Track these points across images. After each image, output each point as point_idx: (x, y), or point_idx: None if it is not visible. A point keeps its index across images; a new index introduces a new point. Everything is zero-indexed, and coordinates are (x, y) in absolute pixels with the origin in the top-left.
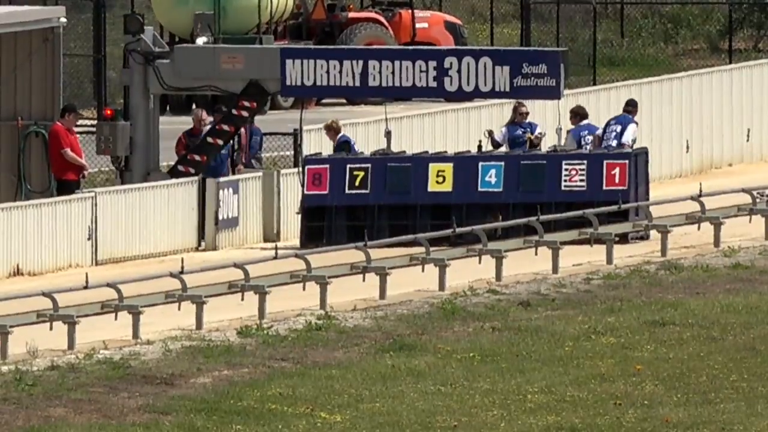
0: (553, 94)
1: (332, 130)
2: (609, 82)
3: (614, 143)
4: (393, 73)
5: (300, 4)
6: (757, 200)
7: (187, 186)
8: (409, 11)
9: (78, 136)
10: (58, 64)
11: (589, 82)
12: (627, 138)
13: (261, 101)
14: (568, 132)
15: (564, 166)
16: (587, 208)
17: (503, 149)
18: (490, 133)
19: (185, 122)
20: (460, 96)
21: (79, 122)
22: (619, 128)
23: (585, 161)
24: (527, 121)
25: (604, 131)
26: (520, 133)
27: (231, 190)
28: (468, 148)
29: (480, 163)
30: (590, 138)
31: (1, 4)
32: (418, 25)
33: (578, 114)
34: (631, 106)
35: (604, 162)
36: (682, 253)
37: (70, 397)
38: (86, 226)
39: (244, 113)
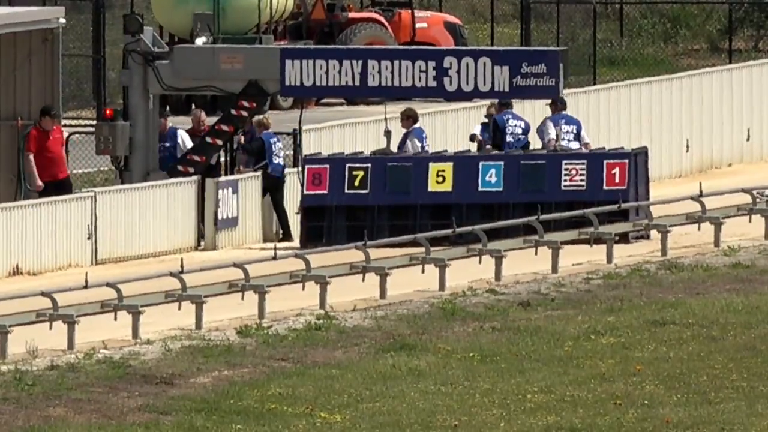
0: (552, 93)
1: (261, 125)
2: (609, 82)
3: (574, 145)
4: (392, 73)
5: (300, 4)
6: (757, 200)
7: (186, 186)
8: (409, 11)
9: (63, 135)
10: (57, 64)
11: (589, 82)
12: (587, 138)
13: (260, 101)
14: (406, 134)
15: (564, 166)
16: (587, 208)
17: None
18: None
19: (185, 122)
20: (459, 96)
21: (79, 122)
22: (573, 128)
23: (585, 161)
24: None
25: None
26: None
27: (230, 190)
28: (468, 148)
29: (480, 163)
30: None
31: (1, 4)
32: (417, 25)
33: (410, 117)
34: (563, 104)
35: (604, 162)
36: (682, 253)
37: (70, 397)
38: (86, 225)
39: (244, 113)
